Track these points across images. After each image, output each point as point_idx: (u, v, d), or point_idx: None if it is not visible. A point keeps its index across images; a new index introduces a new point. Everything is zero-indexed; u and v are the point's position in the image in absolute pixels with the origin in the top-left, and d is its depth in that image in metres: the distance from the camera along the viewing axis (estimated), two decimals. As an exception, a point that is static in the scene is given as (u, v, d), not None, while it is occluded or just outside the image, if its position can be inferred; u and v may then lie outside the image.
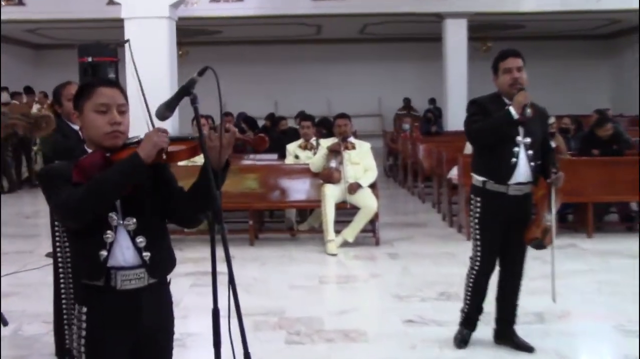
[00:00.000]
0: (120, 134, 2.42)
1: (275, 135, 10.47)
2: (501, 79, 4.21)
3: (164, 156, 2.31)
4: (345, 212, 7.50)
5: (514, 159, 4.19)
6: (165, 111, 2.52)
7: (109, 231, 2.38)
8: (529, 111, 4.09)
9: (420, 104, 18.66)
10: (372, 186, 7.36)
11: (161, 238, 2.48)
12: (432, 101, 18.34)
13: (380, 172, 10.48)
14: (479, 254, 4.31)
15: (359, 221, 7.34)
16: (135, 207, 2.40)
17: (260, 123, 12.55)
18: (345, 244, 7.34)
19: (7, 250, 7.49)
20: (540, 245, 4.25)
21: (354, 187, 7.41)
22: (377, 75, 19.51)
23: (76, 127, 3.64)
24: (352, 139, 7.56)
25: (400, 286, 5.88)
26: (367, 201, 7.33)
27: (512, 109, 4.08)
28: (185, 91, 2.42)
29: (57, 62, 17.67)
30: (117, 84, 2.50)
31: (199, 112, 2.36)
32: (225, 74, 22.13)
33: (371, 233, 7.56)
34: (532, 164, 4.20)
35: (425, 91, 18.57)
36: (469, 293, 4.38)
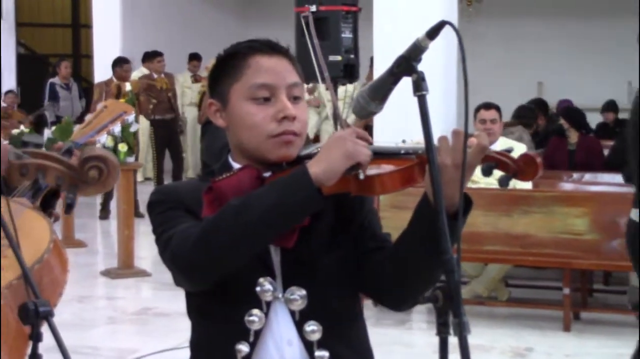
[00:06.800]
0: (293, 138, 1.94)
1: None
2: None
3: (361, 178, 1.78)
4: None
5: None
6: (368, 102, 1.88)
7: (255, 310, 1.92)
8: None
9: None
10: None
11: (349, 326, 2.01)
12: None
13: None
14: None
15: None
16: (305, 269, 1.94)
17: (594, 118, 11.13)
18: None
19: (167, 310, 6.75)
20: None
21: None
22: None
23: None
24: None
25: None
26: None
27: None
28: (403, 65, 1.83)
29: (270, 11, 16.63)
30: (284, 51, 1.99)
31: (426, 103, 1.75)
32: (536, 35, 17.81)
33: None
34: None
35: None
36: None
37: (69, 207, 1.51)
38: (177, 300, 6.97)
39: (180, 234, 1.85)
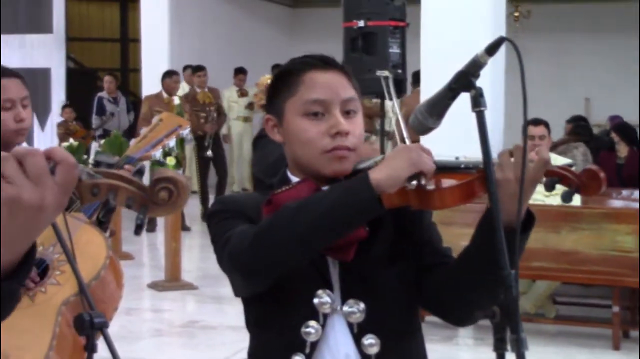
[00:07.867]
0: (347, 152, 1.93)
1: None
2: None
3: (422, 183, 1.75)
4: None
5: None
6: (426, 117, 1.86)
7: (312, 322, 1.90)
8: None
9: None
10: None
11: (407, 340, 1.99)
12: None
13: None
14: None
15: None
16: (364, 282, 1.93)
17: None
18: None
19: (213, 323, 6.75)
20: None
21: None
22: None
23: None
24: None
25: None
26: None
27: None
28: (462, 81, 1.78)
29: (317, 27, 16.82)
30: (339, 66, 1.98)
31: (484, 118, 1.75)
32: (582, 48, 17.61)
33: None
34: None
35: None
36: None
37: (138, 228, 1.51)
38: (223, 313, 7.01)
39: (238, 234, 1.87)
